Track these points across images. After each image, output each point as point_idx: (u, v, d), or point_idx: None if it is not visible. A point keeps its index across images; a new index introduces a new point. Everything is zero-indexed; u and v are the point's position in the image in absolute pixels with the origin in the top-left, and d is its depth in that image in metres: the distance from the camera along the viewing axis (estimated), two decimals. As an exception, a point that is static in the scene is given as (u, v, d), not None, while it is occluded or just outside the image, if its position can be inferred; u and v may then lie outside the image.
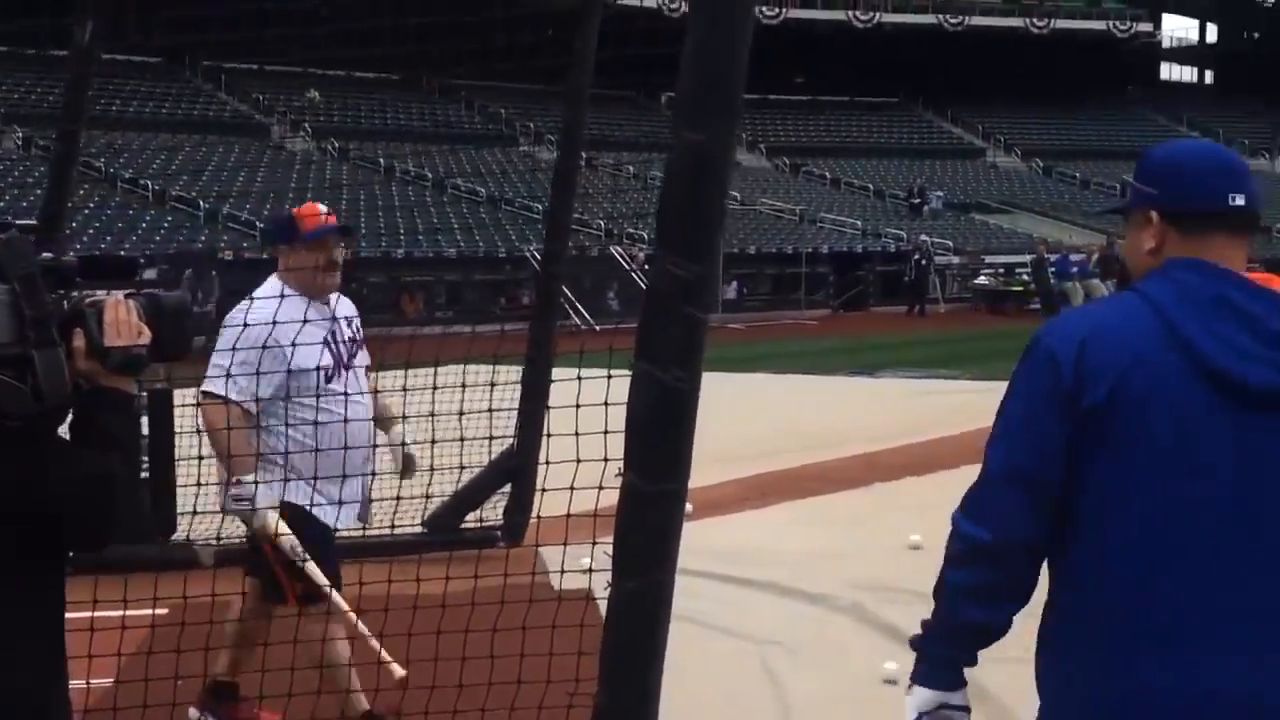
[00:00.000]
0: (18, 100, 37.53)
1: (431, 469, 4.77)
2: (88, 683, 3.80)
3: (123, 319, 2.49)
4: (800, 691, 5.94)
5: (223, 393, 4.84)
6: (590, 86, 8.27)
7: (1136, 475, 2.39)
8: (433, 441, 4.78)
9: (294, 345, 4.80)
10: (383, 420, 5.32)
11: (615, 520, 2.97)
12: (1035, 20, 55.34)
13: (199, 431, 4.80)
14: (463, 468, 4.86)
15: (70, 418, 2.49)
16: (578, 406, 3.86)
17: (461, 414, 5.03)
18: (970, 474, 2.61)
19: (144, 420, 8.22)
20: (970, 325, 29.77)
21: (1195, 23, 69.89)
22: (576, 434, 3.86)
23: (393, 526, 7.25)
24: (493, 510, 8.43)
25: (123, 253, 27.98)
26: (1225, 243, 2.51)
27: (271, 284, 5.07)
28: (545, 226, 8.95)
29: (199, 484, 5.05)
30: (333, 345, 5.01)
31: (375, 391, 5.27)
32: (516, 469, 8.14)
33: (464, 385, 4.94)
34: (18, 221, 2.79)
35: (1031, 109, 55.43)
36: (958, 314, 34.30)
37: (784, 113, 53.47)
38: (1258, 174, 52.36)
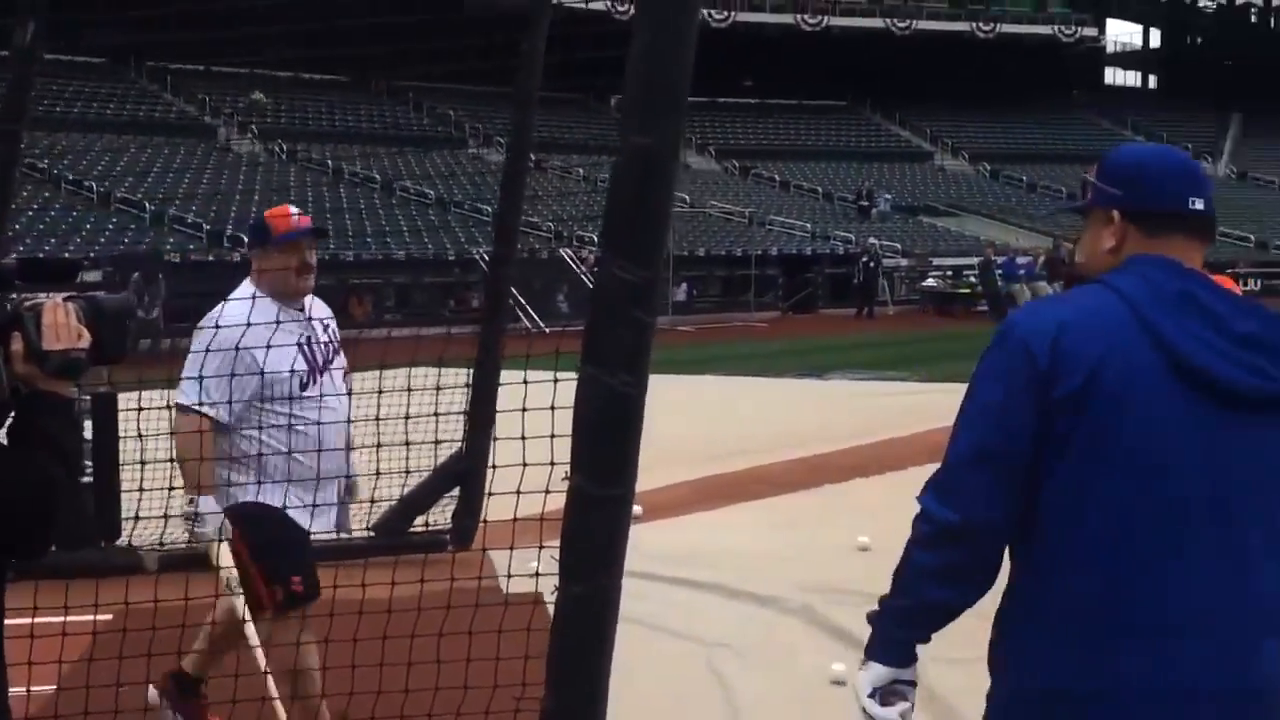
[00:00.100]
0: (-41, 101, 37.07)
1: (377, 473, 4.74)
2: (28, 690, 3.76)
3: (61, 322, 2.47)
4: (748, 693, 5.95)
5: (195, 403, 4.76)
6: (539, 89, 8.26)
7: (1108, 467, 2.42)
8: (378, 446, 4.74)
9: (266, 349, 4.72)
10: None
11: (562, 524, 2.95)
12: (981, 25, 55.77)
13: (141, 436, 4.74)
14: (408, 472, 4.82)
15: (9, 422, 2.46)
16: (524, 410, 3.85)
17: (408, 418, 4.99)
18: (920, 475, 2.62)
19: (88, 424, 8.14)
20: (918, 327, 29.96)
21: (1139, 27, 70.67)
22: (523, 437, 3.84)
23: (338, 530, 7.19)
24: (441, 514, 8.39)
25: (67, 255, 27.73)
26: (1184, 245, 2.55)
27: (245, 288, 4.98)
28: (494, 229, 8.92)
29: (140, 489, 4.98)
30: (307, 349, 4.93)
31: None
32: (465, 472, 8.11)
33: (409, 389, 4.91)
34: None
35: (978, 112, 55.86)
36: (906, 316, 34.50)
37: (733, 115, 53.60)
38: (1201, 177, 52.71)
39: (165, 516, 4.98)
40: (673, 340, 24.56)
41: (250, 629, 4.70)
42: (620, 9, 43.45)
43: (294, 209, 5.19)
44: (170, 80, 44.50)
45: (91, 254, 28.45)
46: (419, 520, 8.29)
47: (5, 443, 2.48)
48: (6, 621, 2.52)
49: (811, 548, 8.56)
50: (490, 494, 4.40)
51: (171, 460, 4.74)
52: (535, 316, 26.38)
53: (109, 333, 2.56)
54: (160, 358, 5.09)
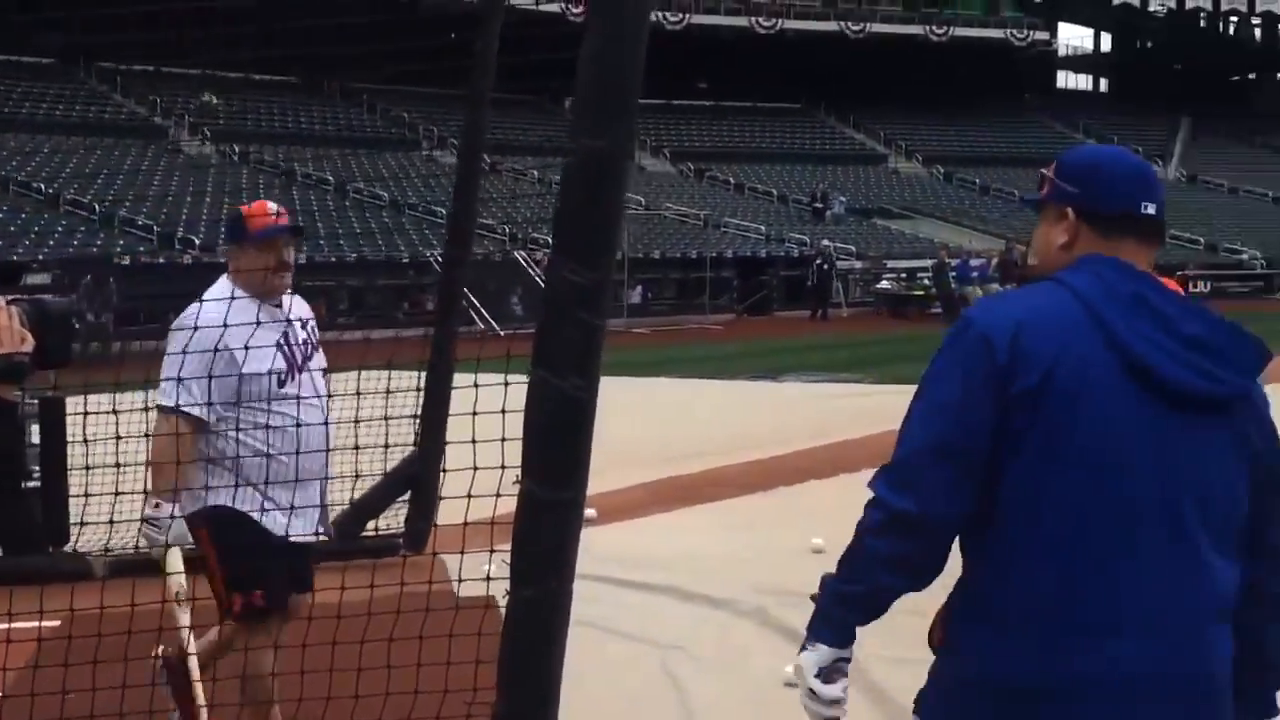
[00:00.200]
0: (-96, 102, 36.69)
1: (327, 477, 4.69)
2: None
3: (3, 325, 2.43)
4: (702, 695, 5.95)
5: (178, 404, 4.66)
6: (492, 90, 8.23)
7: (1062, 465, 2.45)
8: (328, 450, 4.70)
9: (245, 349, 4.63)
10: None
11: (513, 528, 2.94)
12: (935, 28, 56.09)
13: (87, 441, 4.66)
14: (358, 475, 4.78)
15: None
16: (474, 414, 3.83)
17: (357, 421, 4.95)
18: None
19: (35, 429, 8.06)
20: (873, 329, 30.10)
21: (1090, 32, 71.30)
22: (474, 441, 3.83)
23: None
24: (394, 517, 8.35)
25: (15, 258, 27.44)
26: (1135, 248, 2.59)
27: (221, 286, 4.88)
28: (447, 231, 8.89)
29: (85, 494, 4.91)
30: (286, 348, 4.84)
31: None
32: (418, 476, 8.07)
33: (359, 393, 4.87)
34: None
35: (932, 115, 56.17)
36: (860, 318, 34.65)
37: (688, 118, 53.68)
38: (1151, 180, 53.29)
39: (111, 521, 4.90)
40: (628, 342, 24.56)
41: (190, 636, 4.63)
42: (574, 11, 43.44)
43: (273, 205, 5.08)
44: (120, 81, 44.11)
45: (40, 257, 28.19)
46: (371, 524, 8.24)
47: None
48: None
49: (766, 550, 8.57)
50: (442, 498, 4.38)
51: (118, 465, 4.66)
52: (489, 319, 26.33)
53: (53, 337, 2.53)
54: (110, 362, 5.00)
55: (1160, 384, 2.46)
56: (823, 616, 2.62)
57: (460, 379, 6.03)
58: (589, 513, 8.45)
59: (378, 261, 32.71)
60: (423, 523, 8.02)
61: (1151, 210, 2.61)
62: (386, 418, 4.86)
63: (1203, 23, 65.30)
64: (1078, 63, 72.18)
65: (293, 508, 4.75)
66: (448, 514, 4.38)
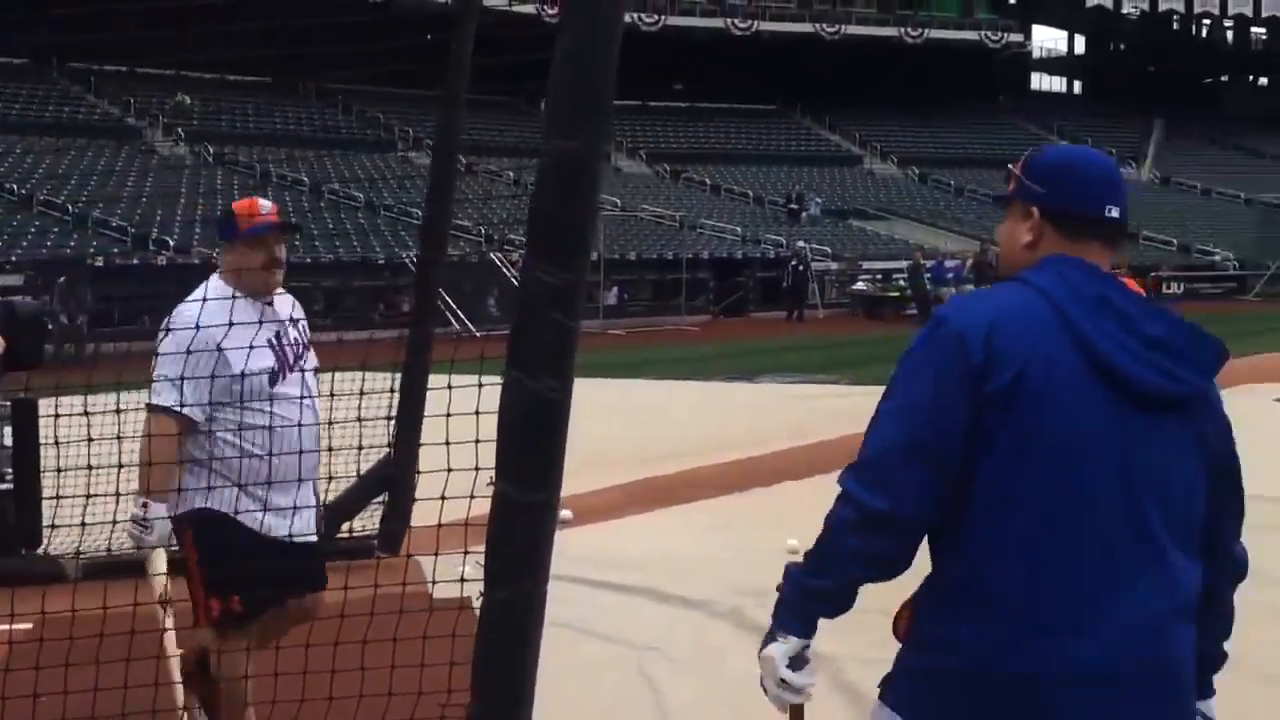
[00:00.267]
0: (-125, 102, 36.45)
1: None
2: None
3: (-28, 327, 2.42)
4: (678, 696, 5.94)
5: (172, 404, 4.58)
6: (467, 91, 8.22)
7: (1032, 464, 2.47)
8: (302, 452, 4.67)
9: (235, 348, 4.58)
10: None
11: (487, 529, 2.94)
12: (910, 30, 56.26)
13: (58, 443, 4.63)
14: (331, 478, 4.76)
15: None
16: (449, 415, 3.82)
17: (331, 423, 4.93)
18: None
19: (7, 430, 8.02)
20: (848, 330, 30.16)
21: (1064, 34, 71.60)
22: (448, 443, 3.82)
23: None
24: (369, 519, 8.33)
25: (-12, 260, 27.29)
26: (1098, 250, 2.62)
27: (212, 284, 4.81)
28: (422, 232, 8.87)
29: (58, 497, 4.87)
30: (277, 347, 4.78)
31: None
32: (393, 478, 8.05)
33: (332, 394, 4.85)
34: None
35: (907, 117, 56.34)
36: (836, 319, 34.71)
37: (664, 119, 53.73)
38: (1126, 181, 53.54)
39: (83, 524, 4.86)
40: (604, 344, 24.57)
41: (170, 638, 4.60)
42: (550, 12, 43.43)
43: (264, 202, 5.03)
44: (94, 81, 43.93)
45: (13, 258, 28.03)
46: (345, 526, 8.22)
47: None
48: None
49: (742, 551, 8.57)
50: (417, 499, 4.37)
51: (90, 467, 4.62)
52: (465, 320, 26.30)
53: (24, 339, 2.52)
54: (84, 363, 4.96)
55: (1125, 383, 2.48)
56: (791, 609, 2.63)
57: (434, 380, 6.01)
58: (564, 514, 8.45)
59: (353, 263, 32.63)
60: (397, 524, 8.01)
61: (1116, 214, 2.64)
62: (360, 419, 4.84)
63: (1175, 25, 65.66)
64: (1052, 65, 72.50)
65: (295, 508, 4.70)
66: (422, 516, 4.37)
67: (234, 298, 4.65)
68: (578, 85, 2.83)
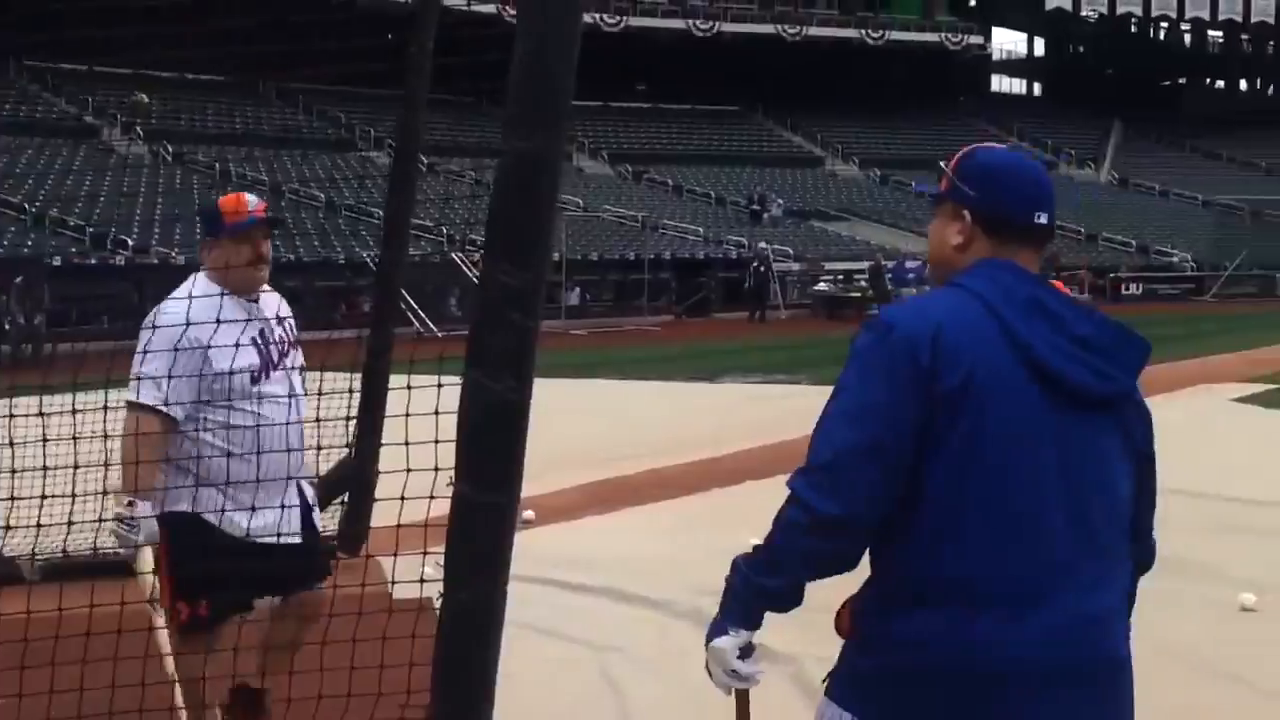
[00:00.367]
0: None
1: (258, 480, 4.62)
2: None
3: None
4: (641, 697, 5.95)
5: (153, 402, 4.52)
6: (428, 91, 8.18)
7: (980, 466, 2.50)
8: (258, 453, 4.63)
9: (218, 346, 4.53)
10: None
11: (447, 530, 2.93)
12: (871, 31, 56.49)
13: (12, 445, 4.57)
14: (290, 478, 4.73)
15: None
16: (408, 415, 3.81)
17: (290, 424, 4.89)
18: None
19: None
20: (810, 331, 30.21)
21: (1023, 36, 72.07)
22: (407, 443, 3.80)
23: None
24: (328, 519, 8.28)
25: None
26: (1028, 254, 2.68)
27: (196, 280, 4.76)
28: (383, 232, 8.83)
29: (13, 498, 4.82)
30: (261, 345, 4.71)
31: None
32: (353, 478, 8.01)
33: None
34: None
35: (868, 118, 56.56)
36: (798, 320, 34.81)
37: (626, 120, 53.74)
38: (1085, 183, 54.32)
39: (39, 525, 4.80)
40: (566, 344, 24.55)
41: (163, 636, 4.57)
42: (510, 13, 43.35)
43: (250, 197, 4.95)
44: (51, 80, 43.61)
45: (-30, 258, 27.77)
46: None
47: None
48: None
49: (703, 551, 8.56)
50: (376, 500, 4.35)
51: (45, 468, 4.57)
52: (427, 320, 26.22)
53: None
54: (41, 363, 4.91)
55: (1060, 384, 2.54)
56: (741, 605, 2.67)
57: (394, 380, 5.98)
58: (526, 514, 8.44)
59: (314, 263, 32.44)
60: (357, 525, 7.97)
61: (1044, 220, 2.69)
62: (319, 420, 4.82)
63: (1134, 29, 66.16)
64: (1012, 67, 73.01)
65: (282, 507, 4.66)
66: (382, 516, 4.35)
67: (221, 295, 4.61)
68: (537, 86, 2.83)
